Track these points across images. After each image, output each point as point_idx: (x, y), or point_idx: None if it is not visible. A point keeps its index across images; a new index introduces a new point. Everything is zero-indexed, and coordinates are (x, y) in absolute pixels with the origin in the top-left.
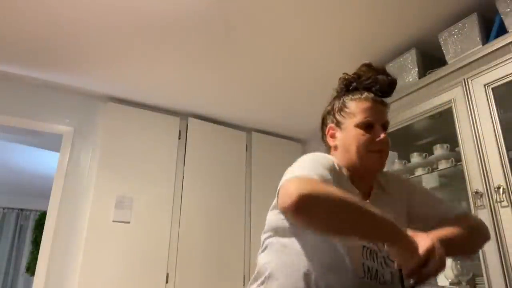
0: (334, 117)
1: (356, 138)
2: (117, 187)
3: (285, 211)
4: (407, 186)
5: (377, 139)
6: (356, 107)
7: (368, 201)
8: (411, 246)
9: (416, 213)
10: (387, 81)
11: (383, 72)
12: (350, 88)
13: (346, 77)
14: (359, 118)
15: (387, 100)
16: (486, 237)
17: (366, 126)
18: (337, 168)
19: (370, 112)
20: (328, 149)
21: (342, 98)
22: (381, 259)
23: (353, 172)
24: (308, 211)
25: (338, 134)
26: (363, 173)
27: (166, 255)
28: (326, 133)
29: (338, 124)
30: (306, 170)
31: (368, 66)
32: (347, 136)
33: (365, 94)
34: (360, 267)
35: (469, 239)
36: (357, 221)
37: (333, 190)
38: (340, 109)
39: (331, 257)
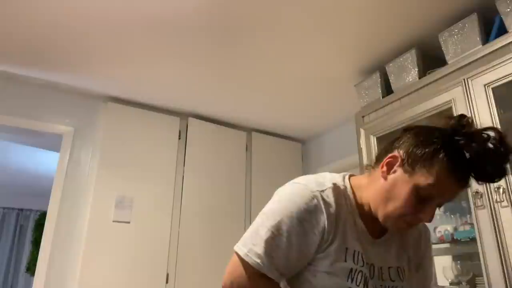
0: (411, 155)
1: (403, 202)
2: (117, 187)
3: None
4: (430, 246)
5: (420, 217)
6: (438, 174)
7: (380, 239)
8: None
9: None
10: (492, 171)
11: (504, 156)
12: (458, 137)
13: (464, 123)
14: (425, 184)
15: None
16: None
17: (423, 197)
18: (334, 200)
19: (443, 191)
20: (368, 166)
21: (440, 150)
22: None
23: (373, 214)
24: None
25: (396, 173)
26: (383, 223)
27: (166, 255)
28: (387, 156)
29: (408, 164)
30: (262, 249)
31: (499, 134)
32: (398, 188)
33: (463, 171)
34: None
35: None
36: None
37: None
38: (424, 158)
39: None
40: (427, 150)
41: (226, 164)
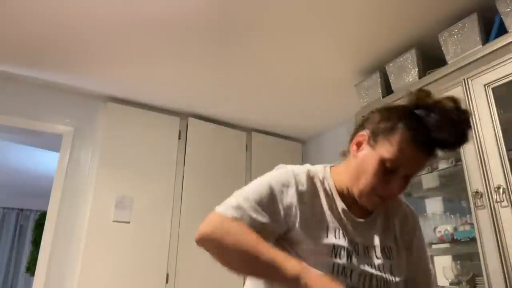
0: (375, 131)
1: (371, 175)
2: (117, 187)
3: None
4: (419, 229)
5: (390, 189)
6: (399, 142)
7: (363, 220)
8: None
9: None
10: (464, 137)
11: (462, 123)
12: (417, 111)
13: (423, 96)
14: (390, 155)
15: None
16: None
17: (390, 169)
18: (306, 181)
19: (408, 161)
20: (344, 151)
21: (400, 121)
22: (356, 276)
23: (350, 194)
24: (205, 248)
25: (364, 150)
26: (358, 201)
27: (166, 255)
28: (355, 136)
29: (373, 138)
30: (236, 201)
31: (455, 102)
32: (367, 163)
33: (422, 137)
34: None
35: None
36: (246, 265)
37: (233, 234)
38: (387, 131)
39: None
40: (388, 123)
41: (226, 164)
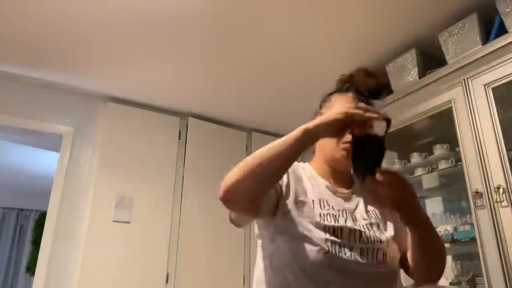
0: (320, 109)
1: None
2: (117, 187)
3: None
4: None
5: (346, 136)
6: (336, 100)
7: (348, 191)
8: (327, 116)
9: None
10: (375, 85)
11: (375, 75)
12: (343, 88)
13: (341, 77)
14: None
15: (379, 102)
16: (442, 262)
17: None
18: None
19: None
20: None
21: (331, 94)
22: (347, 233)
23: (330, 166)
24: (236, 194)
25: None
26: (335, 166)
27: (166, 255)
28: None
29: (320, 113)
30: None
31: (362, 69)
32: None
33: (350, 92)
34: (323, 243)
35: (435, 242)
36: (276, 157)
37: (255, 157)
38: (324, 101)
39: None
40: (326, 96)
41: (226, 164)
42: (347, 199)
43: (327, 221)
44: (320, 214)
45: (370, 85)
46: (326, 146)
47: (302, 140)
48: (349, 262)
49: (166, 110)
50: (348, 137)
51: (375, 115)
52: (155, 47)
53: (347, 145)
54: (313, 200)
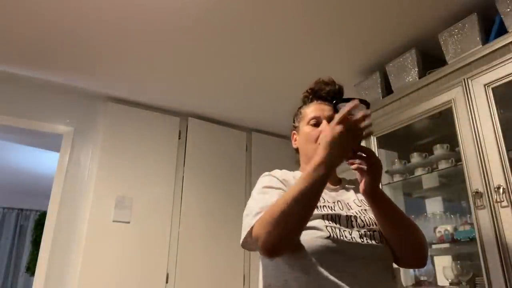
0: (294, 124)
1: (306, 135)
2: (117, 187)
3: (266, 256)
4: None
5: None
6: (305, 111)
7: (338, 187)
8: (323, 142)
9: None
10: (336, 90)
11: (332, 83)
12: (308, 101)
13: (303, 94)
14: (307, 118)
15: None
16: (415, 237)
17: (314, 124)
18: (284, 177)
19: (316, 111)
20: (296, 154)
21: (299, 109)
22: (344, 219)
23: None
24: (279, 243)
25: (297, 137)
26: None
27: (166, 255)
28: (291, 139)
29: (296, 128)
30: (257, 207)
31: (319, 80)
32: (301, 137)
33: (315, 100)
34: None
35: (409, 227)
36: (302, 198)
37: (277, 206)
38: (296, 115)
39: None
40: (295, 113)
41: (226, 164)
42: (339, 193)
43: (324, 211)
44: (317, 206)
45: (331, 91)
46: (308, 150)
47: (328, 173)
48: (351, 245)
49: (166, 110)
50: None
51: (356, 103)
52: (155, 47)
53: None
54: None
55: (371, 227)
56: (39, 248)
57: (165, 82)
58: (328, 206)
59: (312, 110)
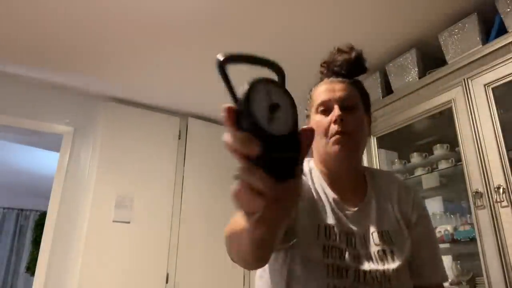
0: (306, 111)
1: (315, 125)
2: (117, 187)
3: None
4: (417, 203)
5: (332, 122)
6: (314, 94)
7: (356, 209)
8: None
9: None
10: (349, 59)
11: (349, 50)
12: (321, 77)
13: (320, 69)
14: (315, 103)
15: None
16: None
17: (323, 110)
18: None
19: (325, 93)
20: None
21: (310, 91)
22: (352, 275)
23: (328, 169)
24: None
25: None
26: (333, 166)
27: (166, 255)
28: None
29: (308, 118)
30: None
31: (335, 49)
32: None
33: (325, 79)
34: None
35: None
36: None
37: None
38: (307, 101)
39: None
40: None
41: (226, 164)
42: (358, 218)
43: (331, 257)
44: (324, 246)
45: (345, 61)
46: (317, 145)
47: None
48: None
49: (166, 110)
50: (334, 127)
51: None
52: (156, 47)
53: (337, 137)
54: (318, 225)
55: (382, 285)
56: (39, 248)
57: (165, 82)
58: (337, 249)
59: (320, 92)
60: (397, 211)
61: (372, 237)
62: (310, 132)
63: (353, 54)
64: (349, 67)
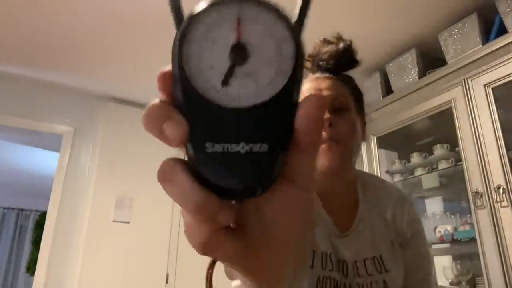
0: None
1: None
2: (117, 187)
3: None
4: (412, 219)
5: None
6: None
7: (348, 232)
8: None
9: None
10: (335, 51)
11: (336, 41)
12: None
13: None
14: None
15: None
16: None
17: None
18: None
19: (309, 91)
20: None
21: None
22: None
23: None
24: None
25: None
26: (322, 183)
27: (166, 255)
28: None
29: None
30: None
31: (321, 41)
32: None
33: (309, 75)
34: None
35: None
36: None
37: None
38: None
39: None
40: None
41: None
42: (351, 241)
43: None
44: (319, 278)
45: (332, 54)
46: None
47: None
48: None
49: None
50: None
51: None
52: (155, 47)
53: (326, 146)
54: (314, 251)
55: None
56: (39, 248)
57: None
58: (330, 280)
59: (303, 91)
60: (392, 230)
61: (365, 265)
62: (318, 103)
63: (341, 45)
64: (336, 60)
